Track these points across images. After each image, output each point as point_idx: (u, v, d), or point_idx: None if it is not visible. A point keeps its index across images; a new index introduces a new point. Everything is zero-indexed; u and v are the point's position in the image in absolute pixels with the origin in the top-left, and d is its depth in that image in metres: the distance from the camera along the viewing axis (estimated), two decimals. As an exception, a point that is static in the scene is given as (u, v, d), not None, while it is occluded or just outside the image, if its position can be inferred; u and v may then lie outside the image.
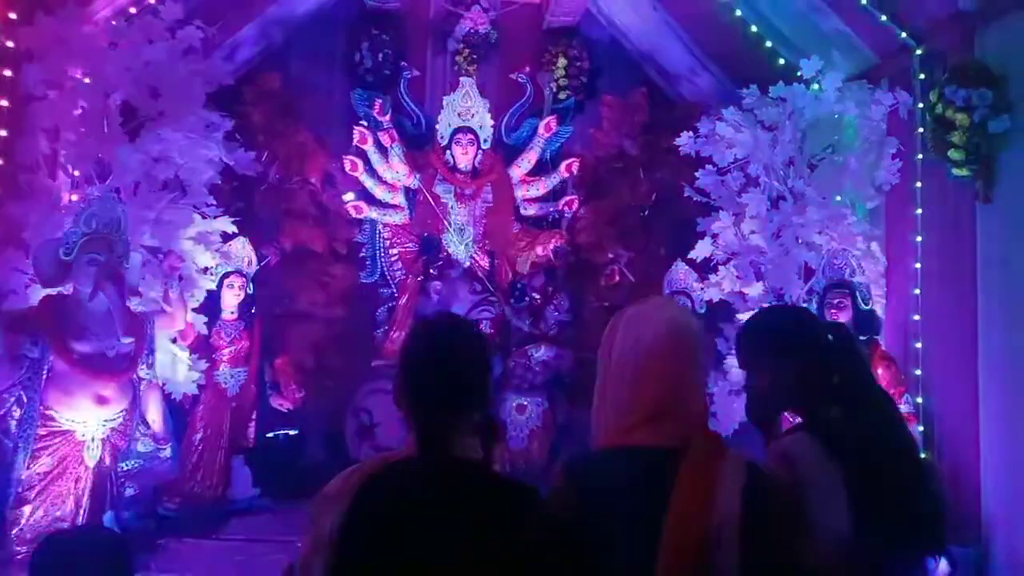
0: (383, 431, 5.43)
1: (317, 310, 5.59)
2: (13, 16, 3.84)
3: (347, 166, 5.64)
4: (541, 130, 5.87)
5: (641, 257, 5.93)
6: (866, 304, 3.95)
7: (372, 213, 5.74)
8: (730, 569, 1.32)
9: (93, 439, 3.56)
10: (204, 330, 4.59)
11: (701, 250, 4.84)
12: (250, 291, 4.96)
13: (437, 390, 1.43)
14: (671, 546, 1.33)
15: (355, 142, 5.70)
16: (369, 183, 5.71)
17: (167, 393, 4.23)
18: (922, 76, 4.12)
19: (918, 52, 4.15)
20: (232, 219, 4.62)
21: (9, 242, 3.78)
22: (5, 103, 3.80)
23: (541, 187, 5.90)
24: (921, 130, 4.11)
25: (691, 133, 5.02)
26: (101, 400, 3.56)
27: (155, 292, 4.15)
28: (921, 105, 4.10)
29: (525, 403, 5.43)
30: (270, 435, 5.39)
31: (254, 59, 5.97)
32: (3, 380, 3.44)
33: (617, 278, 5.96)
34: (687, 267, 5.18)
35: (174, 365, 4.30)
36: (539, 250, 5.70)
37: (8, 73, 3.78)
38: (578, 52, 6.55)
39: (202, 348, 4.57)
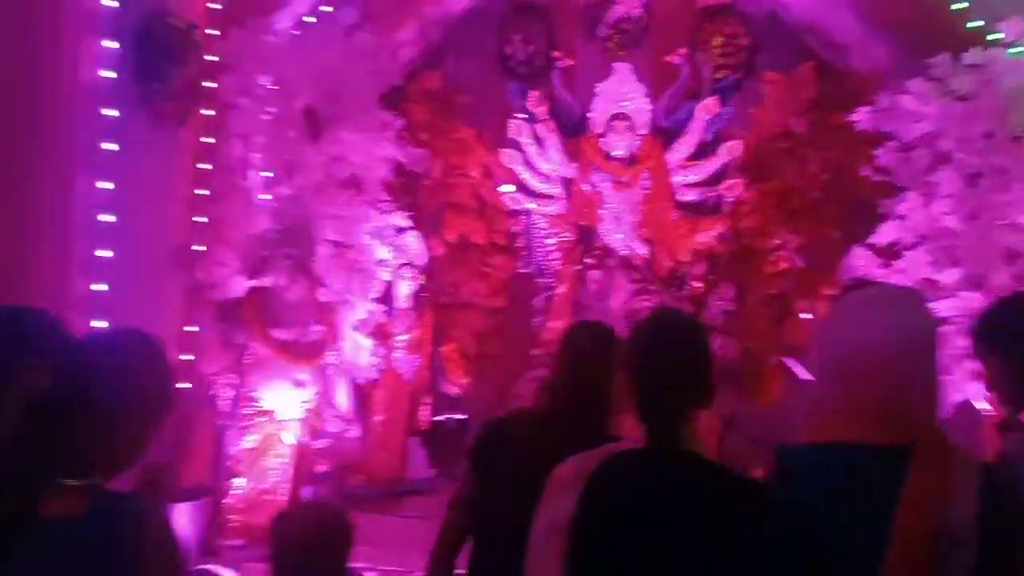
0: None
1: (479, 300, 5.74)
2: (214, 32, 4.21)
3: (504, 158, 5.74)
4: (700, 112, 5.68)
5: (811, 242, 5.59)
6: (1094, 288, 3.49)
7: (529, 204, 5.80)
8: (966, 572, 1.23)
9: (292, 419, 3.85)
10: (381, 319, 4.84)
11: (885, 234, 4.48)
12: (420, 281, 5.17)
13: (666, 383, 1.43)
14: (902, 546, 1.24)
15: (511, 134, 5.78)
16: (526, 175, 5.78)
17: (351, 377, 4.50)
18: None
19: None
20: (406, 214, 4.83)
21: (216, 239, 4.15)
22: (211, 112, 4.17)
23: (701, 171, 5.71)
24: None
25: (869, 107, 4.67)
26: (298, 383, 3.85)
27: (339, 283, 4.42)
28: None
29: (688, 393, 5.28)
30: (439, 418, 5.60)
31: (415, 59, 6.20)
32: (214, 364, 3.80)
33: (785, 264, 5.66)
34: (867, 252, 4.81)
35: (356, 351, 4.57)
36: (700, 237, 5.52)
37: (211, 84, 4.14)
38: (735, 29, 6.29)
39: (380, 336, 4.81)
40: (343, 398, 4.17)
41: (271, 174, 4.29)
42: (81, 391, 1.24)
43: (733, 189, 5.67)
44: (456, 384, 5.27)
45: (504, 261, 5.83)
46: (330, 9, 4.81)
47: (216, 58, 4.11)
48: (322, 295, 4.19)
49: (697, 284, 5.54)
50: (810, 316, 5.51)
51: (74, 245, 3.24)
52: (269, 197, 4.40)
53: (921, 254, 4.32)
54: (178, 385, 3.08)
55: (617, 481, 1.39)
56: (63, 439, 1.21)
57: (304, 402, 3.87)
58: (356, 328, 4.54)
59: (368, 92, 4.53)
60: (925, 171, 4.37)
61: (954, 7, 4.53)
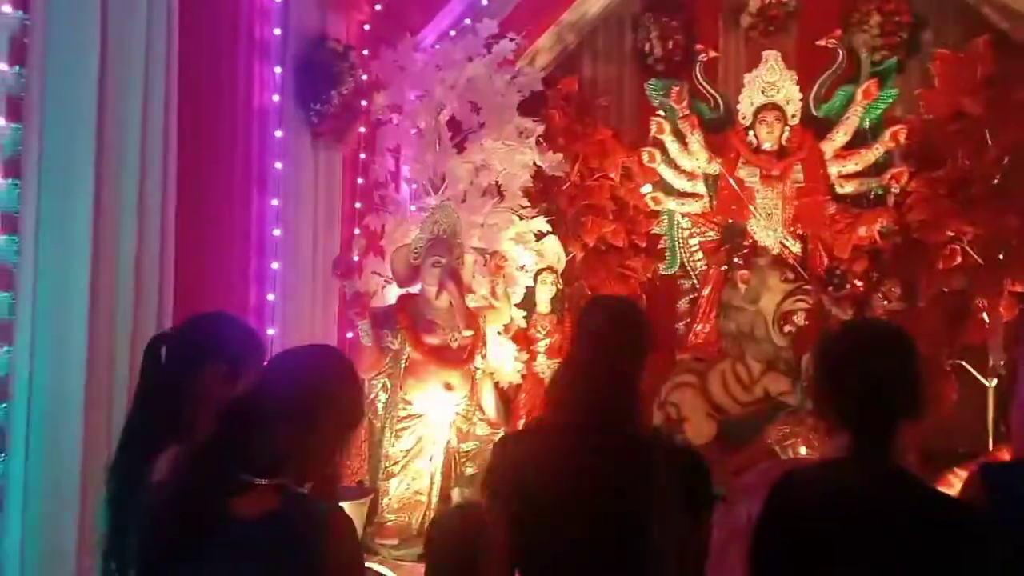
0: (691, 426, 5.33)
1: (619, 304, 5.66)
2: (366, 52, 4.44)
3: (645, 158, 5.62)
4: (859, 97, 5.28)
5: (991, 233, 5.06)
6: None
7: (670, 203, 5.65)
8: None
9: (443, 422, 3.97)
10: (523, 324, 4.89)
11: (1085, 221, 3.98)
12: (560, 286, 5.18)
13: (879, 394, 1.33)
14: None
15: (652, 133, 5.65)
16: (667, 173, 5.63)
17: (495, 382, 4.59)
18: None
19: None
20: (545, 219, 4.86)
21: (370, 250, 4.37)
22: (363, 129, 4.40)
23: (860, 161, 5.31)
24: None
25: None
26: (448, 387, 3.96)
27: (484, 289, 4.52)
28: None
29: (851, 401, 4.93)
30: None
31: (551, 64, 6.24)
32: (372, 368, 3.99)
33: (959, 259, 5.16)
34: (1061, 242, 4.30)
35: (501, 356, 4.65)
36: (861, 231, 5.13)
37: (364, 103, 4.37)
38: (895, 5, 5.82)
39: (522, 340, 4.87)
40: (489, 402, 4.25)
41: (416, 186, 4.46)
42: (282, 399, 1.33)
43: (899, 178, 5.23)
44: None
45: (644, 263, 5.70)
46: (469, 22, 4.94)
47: (368, 76, 4.33)
48: (470, 301, 4.30)
49: (858, 283, 5.16)
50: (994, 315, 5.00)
51: (250, 258, 3.52)
52: (415, 209, 4.58)
53: None
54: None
55: (818, 490, 1.32)
56: (259, 442, 1.30)
57: (454, 406, 3.98)
58: (499, 333, 4.62)
59: (509, 100, 4.59)
60: None
61: None
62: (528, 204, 4.85)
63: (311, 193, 3.87)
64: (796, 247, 5.35)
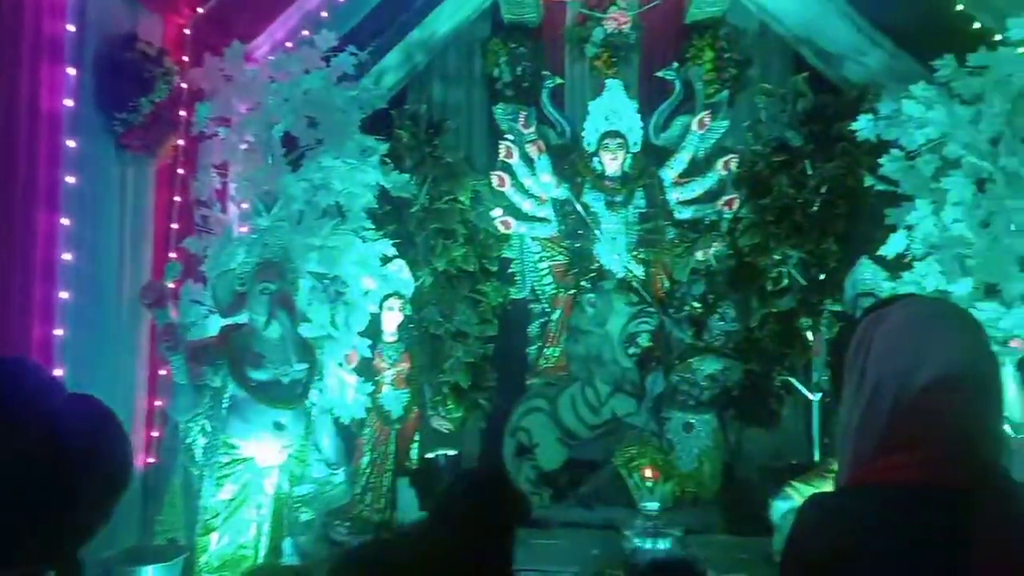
0: (542, 451, 5.26)
1: (471, 329, 5.52)
2: (186, 59, 4.03)
3: (494, 182, 5.55)
4: (694, 127, 5.51)
5: (812, 257, 5.41)
6: (1118, 298, 3.30)
7: (520, 228, 5.61)
8: None
9: (272, 466, 3.60)
10: (367, 353, 4.61)
11: (895, 245, 4.30)
12: (407, 312, 4.95)
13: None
14: None
15: (501, 157, 5.60)
16: (516, 197, 5.60)
17: (336, 418, 4.26)
18: None
19: None
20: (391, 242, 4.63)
21: (188, 275, 3.93)
22: (181, 142, 3.98)
23: (697, 188, 5.53)
24: None
25: (870, 116, 4.52)
26: (278, 427, 3.60)
27: (323, 317, 4.19)
28: None
29: (692, 421, 5.06)
30: (430, 456, 5.37)
31: (399, 84, 6.06)
32: (188, 409, 3.55)
33: (785, 281, 5.47)
34: (873, 265, 4.63)
35: (341, 389, 4.33)
36: (699, 255, 5.32)
37: (183, 113, 3.95)
38: (726, 43, 6.18)
39: (366, 371, 4.58)
40: (327, 440, 3.93)
41: (245, 205, 4.08)
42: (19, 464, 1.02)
43: (731, 205, 5.49)
44: (448, 419, 5.04)
45: (496, 288, 5.61)
46: (308, 34, 4.65)
47: (188, 85, 3.92)
48: (304, 331, 3.97)
49: (696, 305, 5.33)
50: (816, 334, 5.33)
51: (33, 286, 3.02)
52: (244, 230, 4.20)
53: (932, 265, 4.13)
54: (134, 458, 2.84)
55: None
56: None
57: (286, 447, 3.62)
58: (340, 364, 4.31)
59: (350, 117, 4.33)
60: (932, 178, 4.21)
61: (957, 9, 4.40)
62: (372, 226, 4.59)
63: (115, 212, 3.42)
64: (640, 271, 5.46)
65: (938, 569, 1.10)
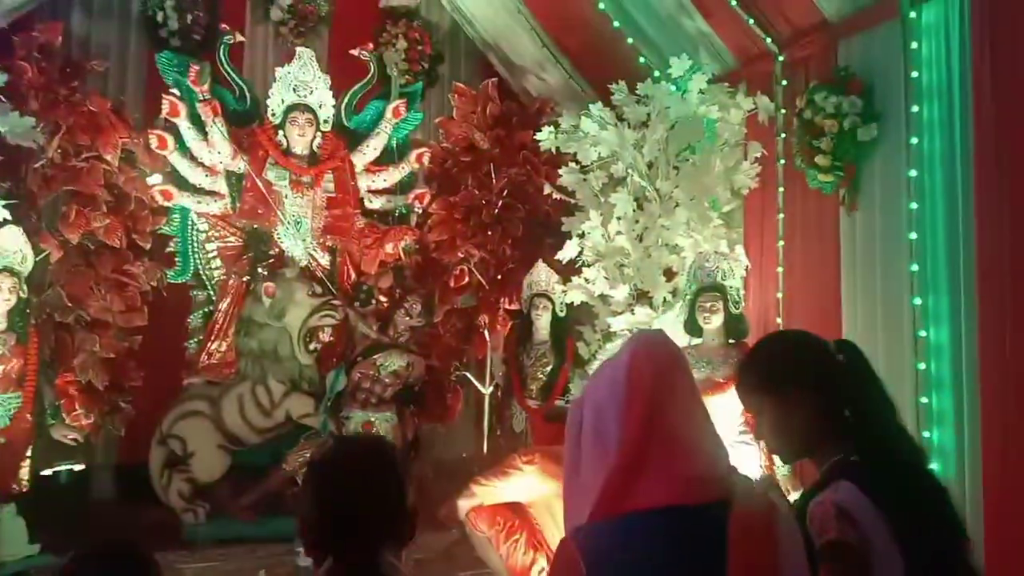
0: (199, 461, 4.56)
1: (112, 317, 4.57)
2: None
3: (153, 142, 4.67)
4: (389, 114, 5.29)
5: (493, 257, 5.59)
6: (736, 308, 3.93)
7: (184, 200, 4.81)
8: None
9: None
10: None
11: (569, 251, 4.62)
12: (24, 294, 3.89)
13: None
14: None
15: (164, 114, 4.74)
16: (182, 164, 4.78)
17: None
18: (784, 82, 4.21)
19: (780, 59, 4.23)
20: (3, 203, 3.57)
21: None
22: None
23: (389, 178, 5.33)
24: (783, 136, 4.21)
25: (551, 128, 4.81)
26: None
27: None
28: (784, 111, 4.20)
29: (372, 420, 4.83)
30: (47, 472, 4.33)
31: (24, 5, 4.79)
32: None
33: (467, 278, 5.58)
34: (548, 268, 4.93)
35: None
36: (388, 248, 5.13)
37: None
38: (419, 35, 6.12)
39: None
40: None
41: None
42: None
43: (421, 199, 5.40)
44: (75, 427, 4.09)
45: (148, 268, 4.72)
46: None
47: None
48: None
49: (383, 299, 5.13)
50: (491, 331, 5.52)
51: None
52: None
53: (601, 271, 4.52)
54: None
55: None
56: None
57: None
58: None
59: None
60: (601, 193, 4.62)
61: (629, 41, 4.88)
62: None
63: None
64: (325, 260, 5.08)
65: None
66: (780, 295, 4.20)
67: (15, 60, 4.37)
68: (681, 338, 4.06)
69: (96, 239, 4.55)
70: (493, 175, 5.63)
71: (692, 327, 3.96)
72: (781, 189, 4.21)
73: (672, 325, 4.12)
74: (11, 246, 3.88)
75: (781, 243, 4.20)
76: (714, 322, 3.87)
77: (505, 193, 5.65)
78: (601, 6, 4.86)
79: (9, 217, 3.75)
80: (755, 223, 4.45)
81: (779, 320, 4.18)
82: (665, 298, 4.41)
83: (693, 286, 4.01)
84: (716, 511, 1.13)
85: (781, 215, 4.21)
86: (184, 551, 4.22)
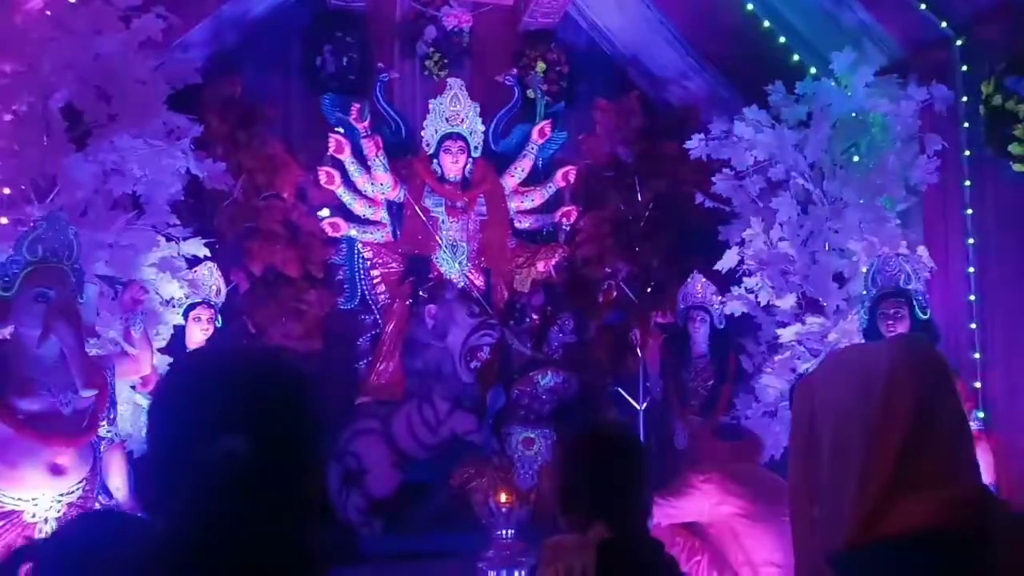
0: (373, 478, 4.80)
1: (292, 342, 4.92)
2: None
3: (322, 179, 5.02)
4: (535, 136, 5.39)
5: (642, 271, 5.53)
6: (924, 313, 3.64)
7: (351, 231, 5.12)
8: None
9: (46, 520, 2.84)
10: (171, 373, 3.88)
11: (729, 260, 4.48)
12: (219, 324, 4.28)
13: None
14: None
15: (331, 151, 5.08)
16: (347, 197, 5.10)
17: (129, 451, 3.51)
18: (964, 68, 3.89)
19: (958, 43, 3.92)
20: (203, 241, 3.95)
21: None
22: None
23: (536, 198, 5.42)
24: (967, 125, 3.88)
25: (702, 136, 4.70)
26: (56, 470, 2.86)
27: (114, 331, 3.44)
28: (966, 99, 3.88)
29: (532, 436, 4.90)
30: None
31: (206, 64, 5.31)
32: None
33: (615, 294, 5.54)
34: (704, 279, 4.80)
35: (136, 417, 3.59)
36: (540, 266, 5.20)
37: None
38: (557, 56, 6.19)
39: (170, 395, 3.84)
40: (119, 480, 3.19)
41: (7, 191, 3.25)
42: None
43: (569, 216, 5.45)
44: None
45: (321, 296, 5.06)
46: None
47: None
48: (92, 348, 3.21)
49: (535, 317, 5.21)
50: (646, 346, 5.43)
51: None
52: (5, 221, 3.33)
53: (766, 280, 4.35)
54: None
55: None
56: None
57: (64, 495, 2.87)
58: (134, 387, 3.58)
59: (156, 89, 3.63)
60: (760, 198, 4.45)
61: (780, 41, 4.70)
62: (178, 222, 3.90)
63: None
64: (480, 281, 5.23)
65: None
66: (972, 297, 3.85)
67: (203, 113, 4.84)
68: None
69: (276, 271, 4.92)
70: (638, 188, 5.59)
71: (873, 336, 3.71)
72: (968, 182, 3.87)
73: (850, 334, 3.89)
74: (208, 280, 4.28)
75: (971, 241, 3.86)
76: (899, 329, 3.61)
77: (651, 205, 5.59)
78: (750, 7, 4.71)
79: (208, 254, 4.13)
80: (936, 221, 4.12)
81: (973, 325, 3.83)
82: (838, 305, 4.18)
83: (872, 291, 3.77)
84: (979, 537, 1.04)
85: (969, 210, 3.87)
86: (363, 565, 4.43)
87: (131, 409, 3.59)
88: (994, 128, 3.48)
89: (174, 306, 3.97)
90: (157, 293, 3.79)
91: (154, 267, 3.78)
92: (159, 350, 3.76)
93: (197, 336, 4.17)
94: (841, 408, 1.17)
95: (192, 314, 4.14)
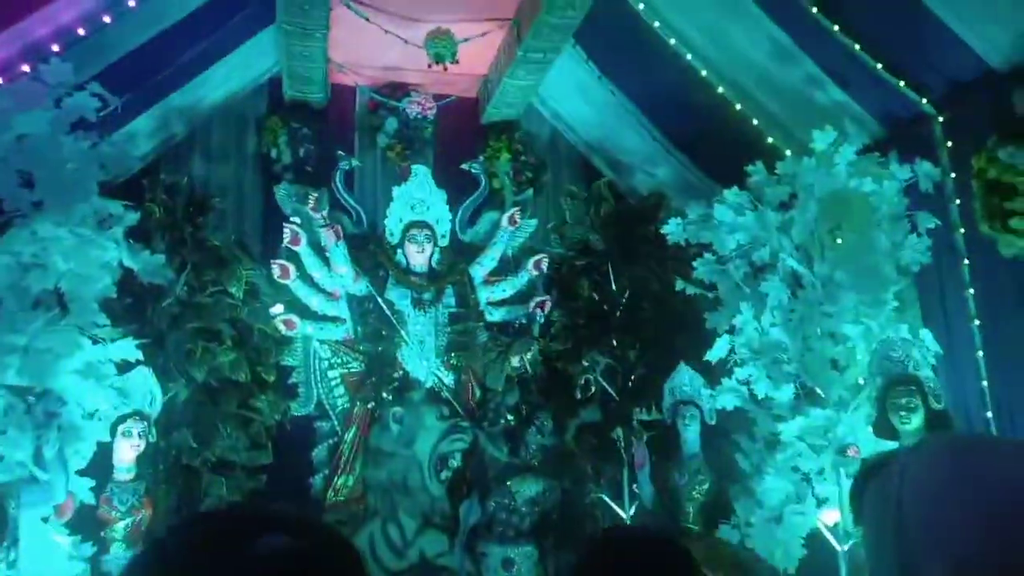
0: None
1: (237, 456, 4.36)
2: None
3: (275, 272, 4.61)
4: (505, 223, 5.13)
5: (619, 363, 5.18)
6: (938, 402, 3.34)
7: (307, 328, 4.68)
8: None
9: None
10: (91, 499, 3.30)
11: (719, 350, 4.16)
12: (152, 439, 3.73)
13: None
14: None
15: (286, 242, 4.70)
16: (303, 291, 4.68)
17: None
18: (950, 144, 3.79)
19: (940, 120, 3.84)
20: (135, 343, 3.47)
21: None
22: None
23: (508, 288, 5.10)
24: (958, 202, 3.75)
25: (679, 220, 4.49)
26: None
27: (23, 452, 2.89)
28: (953, 175, 3.76)
29: (512, 556, 4.35)
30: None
31: (150, 155, 4.97)
32: None
33: (592, 389, 5.16)
34: (692, 371, 4.47)
35: (47, 554, 2.98)
36: (514, 361, 4.80)
37: None
38: (521, 146, 6.07)
39: (87, 526, 3.25)
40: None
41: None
42: None
43: (543, 307, 5.11)
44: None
45: (272, 402, 4.55)
46: (28, 69, 3.51)
47: None
48: (-10, 473, 2.66)
49: (511, 417, 4.76)
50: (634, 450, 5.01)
51: None
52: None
53: (758, 369, 4.03)
54: None
55: None
56: None
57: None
58: (46, 519, 2.99)
59: (86, 175, 3.23)
60: (745, 282, 4.21)
61: (753, 123, 4.61)
62: (107, 322, 3.42)
63: None
64: (449, 378, 4.79)
65: None
66: (984, 383, 3.59)
67: (144, 202, 4.45)
68: (871, 443, 3.51)
69: (221, 375, 4.42)
70: (612, 276, 5.34)
71: (885, 429, 3.40)
72: (967, 261, 3.69)
73: (859, 429, 3.57)
74: (142, 388, 3.77)
75: (976, 322, 3.64)
76: (914, 421, 3.29)
77: (628, 293, 5.33)
78: (720, 89, 4.64)
79: (141, 357, 3.63)
80: (934, 302, 3.91)
81: (989, 414, 3.55)
82: (840, 396, 3.87)
83: (879, 380, 3.48)
84: None
85: (971, 290, 3.67)
86: None
87: (40, 547, 2.98)
88: (991, 203, 3.33)
89: (99, 419, 3.42)
90: (79, 404, 3.25)
91: (77, 374, 3.26)
92: (76, 472, 3.19)
93: (126, 454, 3.61)
94: (974, 552, 0.79)
95: (121, 428, 3.61)
